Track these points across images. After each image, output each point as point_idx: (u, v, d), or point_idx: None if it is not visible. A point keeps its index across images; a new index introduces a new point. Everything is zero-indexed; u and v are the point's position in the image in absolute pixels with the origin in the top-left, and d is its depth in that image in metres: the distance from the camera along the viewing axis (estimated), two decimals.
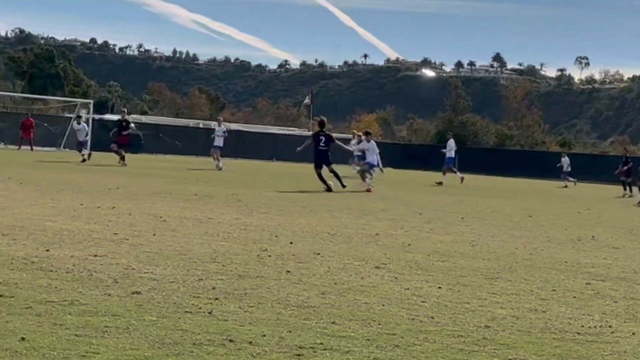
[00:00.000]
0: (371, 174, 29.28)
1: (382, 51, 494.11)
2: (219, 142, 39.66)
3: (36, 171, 26.04)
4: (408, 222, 16.60)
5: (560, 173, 50.79)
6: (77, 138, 41.76)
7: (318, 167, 26.64)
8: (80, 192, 18.57)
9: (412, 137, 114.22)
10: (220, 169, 37.94)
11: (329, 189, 25.57)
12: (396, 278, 9.32)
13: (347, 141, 36.15)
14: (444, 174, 39.78)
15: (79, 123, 42.49)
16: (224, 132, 40.07)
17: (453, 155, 40.65)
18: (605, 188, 49.68)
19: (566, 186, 48.33)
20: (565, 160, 51.30)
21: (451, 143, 40.97)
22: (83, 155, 38.35)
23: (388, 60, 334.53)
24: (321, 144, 26.99)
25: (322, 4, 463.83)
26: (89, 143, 42.80)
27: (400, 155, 72.26)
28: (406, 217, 18.10)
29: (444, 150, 40.96)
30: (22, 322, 6.09)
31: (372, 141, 31.04)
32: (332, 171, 26.81)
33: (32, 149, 47.63)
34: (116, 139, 35.98)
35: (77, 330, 5.98)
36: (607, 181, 53.64)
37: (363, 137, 32.82)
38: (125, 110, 43.54)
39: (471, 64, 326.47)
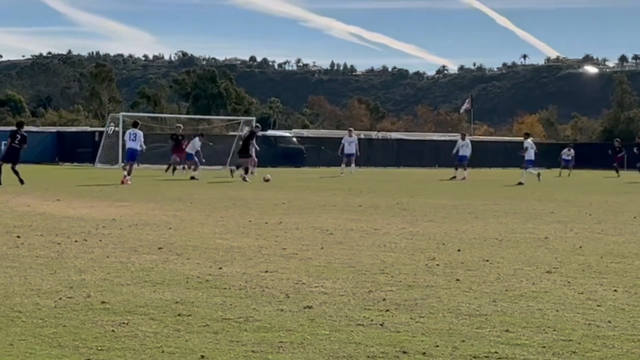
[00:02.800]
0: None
1: (542, 50, 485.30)
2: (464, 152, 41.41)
3: (204, 190, 26.72)
4: (578, 224, 16.24)
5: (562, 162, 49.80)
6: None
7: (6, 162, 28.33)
8: (247, 209, 18.94)
9: (578, 136, 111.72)
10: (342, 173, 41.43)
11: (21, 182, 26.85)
12: (569, 282, 9.13)
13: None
14: (456, 169, 40.59)
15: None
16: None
17: (467, 153, 40.54)
18: None
19: (568, 174, 47.06)
20: (567, 151, 50.53)
21: (467, 142, 41.67)
22: None
23: (548, 60, 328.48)
24: (15, 142, 28.33)
25: (477, 7, 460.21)
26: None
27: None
28: (575, 218, 17.71)
29: (455, 152, 41.21)
30: (201, 340, 6.26)
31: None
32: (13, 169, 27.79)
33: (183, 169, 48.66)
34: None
35: (253, 346, 6.10)
36: None
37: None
38: (181, 126, 43.39)
39: (636, 57, 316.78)
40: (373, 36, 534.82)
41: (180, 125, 43.32)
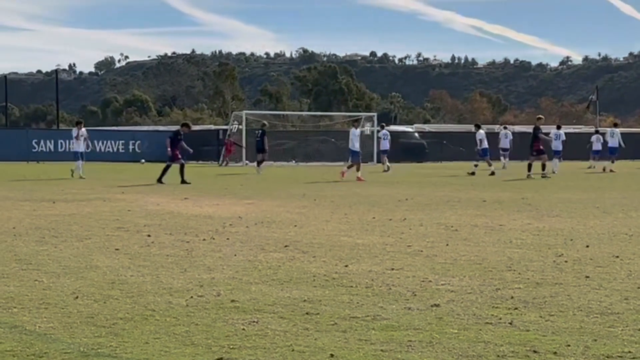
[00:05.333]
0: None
1: None
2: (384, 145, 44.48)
3: (326, 187, 26.86)
4: None
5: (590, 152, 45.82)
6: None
7: None
8: (371, 206, 18.97)
9: None
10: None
11: None
12: None
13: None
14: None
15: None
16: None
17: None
18: None
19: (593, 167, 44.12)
20: (597, 137, 45.95)
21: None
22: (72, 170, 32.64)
23: None
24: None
25: None
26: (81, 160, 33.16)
27: None
28: None
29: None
30: (330, 339, 6.31)
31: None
32: None
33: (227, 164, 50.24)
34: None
35: (382, 345, 6.12)
36: None
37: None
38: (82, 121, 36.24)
39: None
40: (494, 28, 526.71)
41: (82, 121, 36.89)
